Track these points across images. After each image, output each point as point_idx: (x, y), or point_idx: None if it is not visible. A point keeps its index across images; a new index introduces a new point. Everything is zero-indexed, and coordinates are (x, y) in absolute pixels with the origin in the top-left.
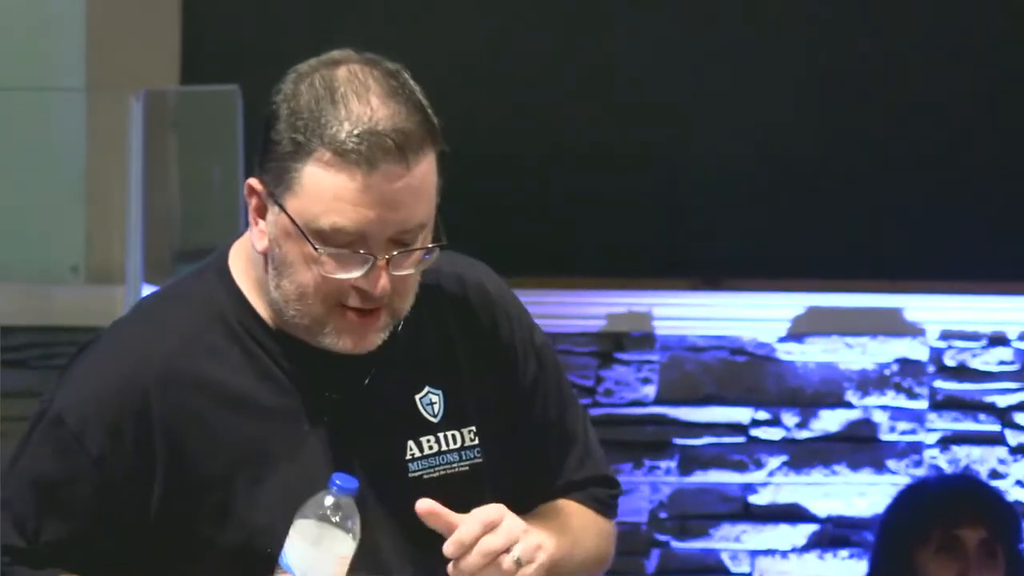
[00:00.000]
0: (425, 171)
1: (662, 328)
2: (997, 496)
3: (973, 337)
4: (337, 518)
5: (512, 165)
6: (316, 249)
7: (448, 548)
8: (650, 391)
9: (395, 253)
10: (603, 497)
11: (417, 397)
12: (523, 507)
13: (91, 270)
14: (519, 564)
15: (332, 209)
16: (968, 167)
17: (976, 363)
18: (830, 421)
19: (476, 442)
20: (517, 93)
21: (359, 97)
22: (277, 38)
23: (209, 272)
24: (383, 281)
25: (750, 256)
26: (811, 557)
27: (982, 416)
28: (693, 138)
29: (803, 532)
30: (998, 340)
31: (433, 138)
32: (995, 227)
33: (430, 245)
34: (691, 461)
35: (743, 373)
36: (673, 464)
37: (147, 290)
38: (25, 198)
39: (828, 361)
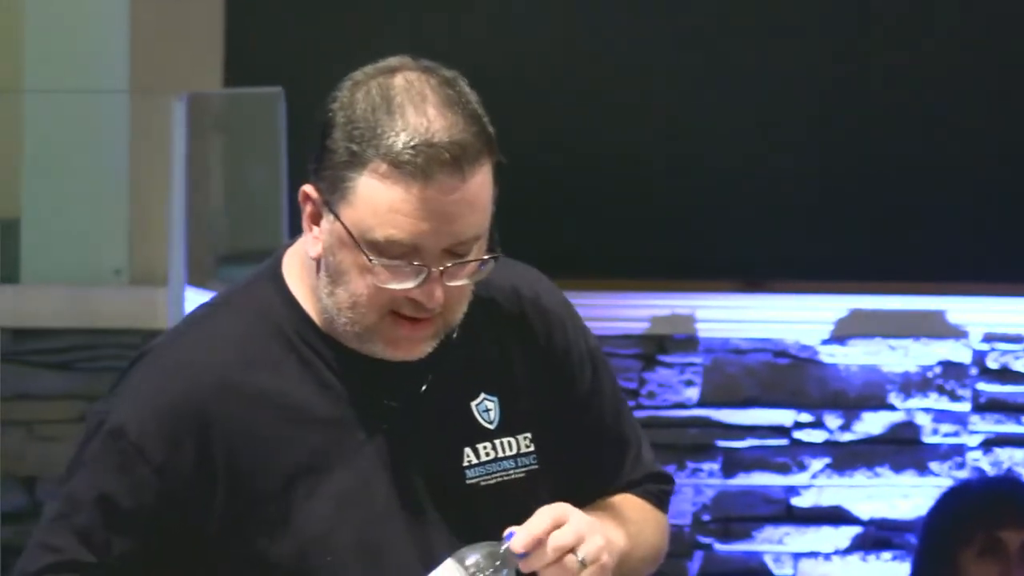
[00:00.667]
0: (481, 183)
1: (705, 330)
2: None
3: (1016, 339)
4: (490, 572)
5: (554, 168)
6: (370, 260)
7: (519, 541)
8: (693, 393)
9: (449, 265)
10: (656, 492)
11: (473, 404)
12: (580, 507)
13: (134, 273)
14: (583, 565)
15: (387, 221)
16: (1012, 169)
17: (1019, 365)
18: (873, 423)
19: (532, 449)
20: (556, 97)
21: (416, 107)
22: (320, 41)
23: (262, 279)
24: (437, 293)
25: (793, 258)
26: (854, 559)
27: None
28: (736, 141)
29: (846, 534)
30: None
31: (489, 149)
32: None
33: (485, 257)
34: (734, 463)
35: (786, 375)
36: (716, 466)
37: (190, 293)
38: (69, 200)
39: (871, 363)
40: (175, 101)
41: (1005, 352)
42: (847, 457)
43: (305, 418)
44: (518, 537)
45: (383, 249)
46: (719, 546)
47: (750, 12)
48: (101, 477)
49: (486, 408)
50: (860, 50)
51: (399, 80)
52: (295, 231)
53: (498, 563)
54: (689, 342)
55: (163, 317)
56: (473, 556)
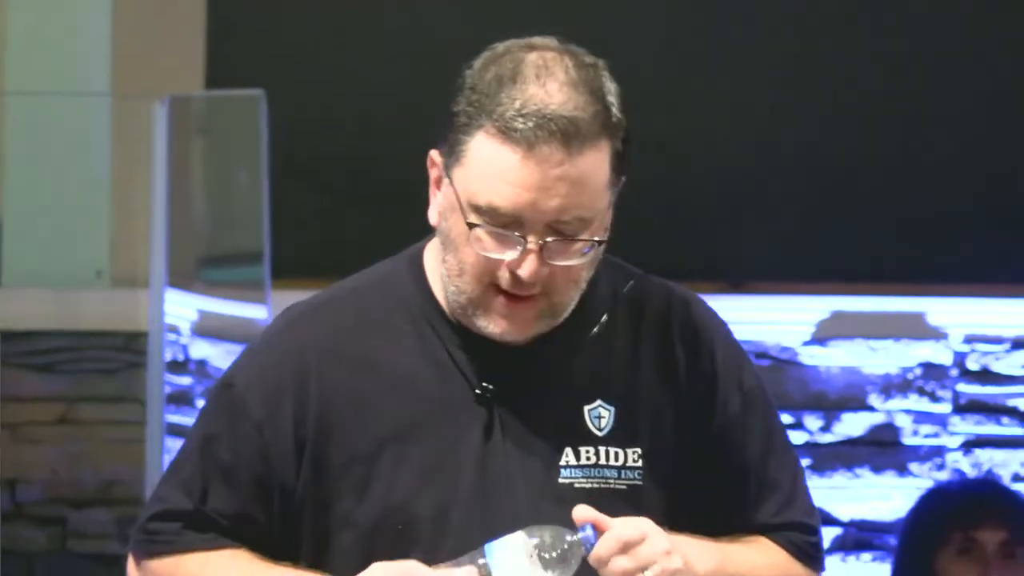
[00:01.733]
0: (591, 163)
1: None
2: (1018, 498)
3: (996, 340)
4: (555, 554)
5: None
6: (471, 224)
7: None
8: None
9: (549, 240)
10: (799, 542)
11: (586, 408)
12: (705, 535)
13: (116, 275)
14: None
15: (490, 188)
16: (992, 171)
17: (999, 367)
18: (853, 425)
19: (639, 464)
20: None
21: (539, 80)
22: (302, 44)
23: (402, 260)
24: (532, 266)
25: (775, 260)
26: (834, 560)
27: (1005, 419)
28: (719, 142)
29: (826, 535)
30: (1021, 344)
31: (609, 133)
32: (1019, 231)
33: (592, 239)
34: None
35: (767, 377)
36: None
37: (171, 295)
38: (51, 202)
39: (851, 365)
40: (157, 104)
41: (985, 353)
42: (827, 458)
43: (408, 389)
44: (590, 559)
45: (485, 215)
46: None
47: (738, 18)
48: (209, 426)
49: (599, 415)
50: (844, 54)
51: (533, 55)
52: (276, 233)
53: (565, 547)
54: None
55: (145, 319)
56: (542, 536)
